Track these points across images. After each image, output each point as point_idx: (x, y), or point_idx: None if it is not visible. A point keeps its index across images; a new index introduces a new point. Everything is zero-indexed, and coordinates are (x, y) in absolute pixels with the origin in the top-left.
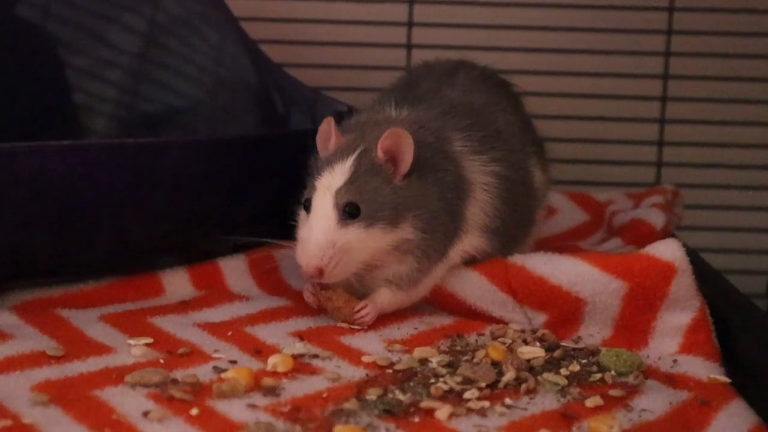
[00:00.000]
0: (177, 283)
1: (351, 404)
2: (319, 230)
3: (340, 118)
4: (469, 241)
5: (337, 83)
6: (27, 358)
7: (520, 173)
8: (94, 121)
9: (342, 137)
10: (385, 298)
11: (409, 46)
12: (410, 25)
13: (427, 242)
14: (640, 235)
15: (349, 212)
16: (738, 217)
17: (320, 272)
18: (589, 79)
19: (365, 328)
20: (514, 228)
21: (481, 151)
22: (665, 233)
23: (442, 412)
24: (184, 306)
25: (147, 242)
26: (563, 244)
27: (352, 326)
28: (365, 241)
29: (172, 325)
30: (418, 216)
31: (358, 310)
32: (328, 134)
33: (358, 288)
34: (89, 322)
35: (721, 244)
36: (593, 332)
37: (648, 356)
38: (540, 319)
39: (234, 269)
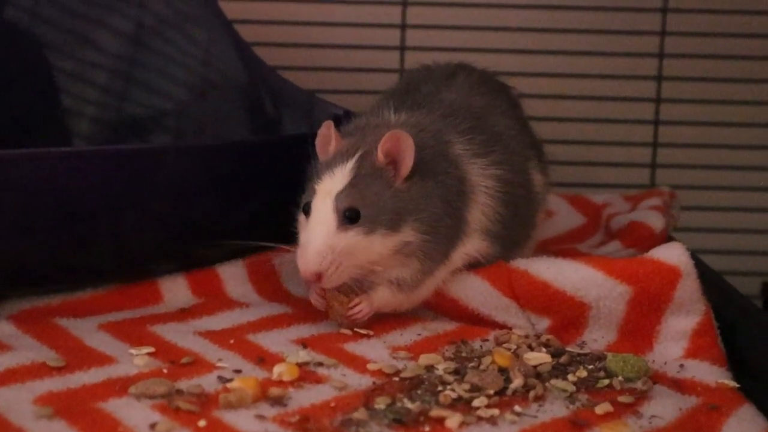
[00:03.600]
0: (176, 290)
1: (360, 414)
2: (318, 235)
3: (336, 121)
4: (471, 244)
5: (330, 86)
6: (27, 370)
7: (521, 176)
8: (81, 125)
9: (342, 141)
10: (382, 296)
11: (402, 48)
12: (403, 27)
13: (429, 244)
14: (640, 238)
15: (349, 217)
16: (732, 218)
17: (319, 277)
18: (582, 81)
19: (369, 335)
20: (515, 231)
21: (482, 154)
22: (664, 236)
23: (453, 420)
24: (183, 314)
25: (145, 249)
26: (562, 247)
27: (352, 330)
28: (365, 246)
29: (172, 333)
30: (419, 219)
31: (352, 307)
32: (327, 138)
33: (359, 291)
34: (89, 332)
35: (716, 245)
36: (597, 337)
37: (653, 361)
38: (543, 324)
39: (233, 275)
